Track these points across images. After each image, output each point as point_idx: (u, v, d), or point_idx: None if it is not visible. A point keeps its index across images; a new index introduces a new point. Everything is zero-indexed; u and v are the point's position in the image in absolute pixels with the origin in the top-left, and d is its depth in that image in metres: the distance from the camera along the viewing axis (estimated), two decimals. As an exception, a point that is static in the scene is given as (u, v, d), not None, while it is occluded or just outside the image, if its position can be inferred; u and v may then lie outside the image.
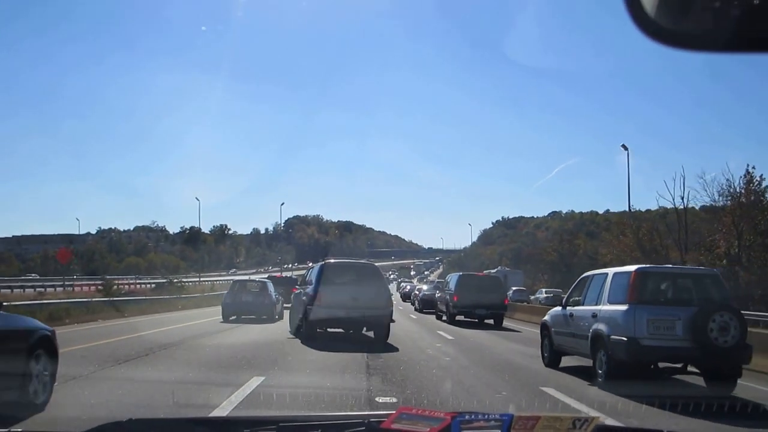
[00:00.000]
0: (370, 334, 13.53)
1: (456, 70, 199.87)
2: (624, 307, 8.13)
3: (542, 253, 57.75)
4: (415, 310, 31.00)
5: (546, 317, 10.97)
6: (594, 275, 9.77)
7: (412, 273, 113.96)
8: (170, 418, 2.09)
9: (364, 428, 1.81)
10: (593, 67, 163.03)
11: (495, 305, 20.97)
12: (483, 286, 21.62)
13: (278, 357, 10.03)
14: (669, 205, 32.14)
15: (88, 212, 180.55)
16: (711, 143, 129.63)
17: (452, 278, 23.41)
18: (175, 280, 40.07)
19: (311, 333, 12.82)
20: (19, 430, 1.89)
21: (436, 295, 26.18)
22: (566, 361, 10.15)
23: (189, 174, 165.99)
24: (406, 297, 45.17)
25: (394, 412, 1.74)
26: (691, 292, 8.63)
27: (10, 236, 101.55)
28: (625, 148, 34.59)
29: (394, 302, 31.02)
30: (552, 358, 10.30)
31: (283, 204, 69.57)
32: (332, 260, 15.94)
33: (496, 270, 52.10)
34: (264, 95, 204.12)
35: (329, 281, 13.20)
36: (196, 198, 58.61)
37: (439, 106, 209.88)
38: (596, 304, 8.91)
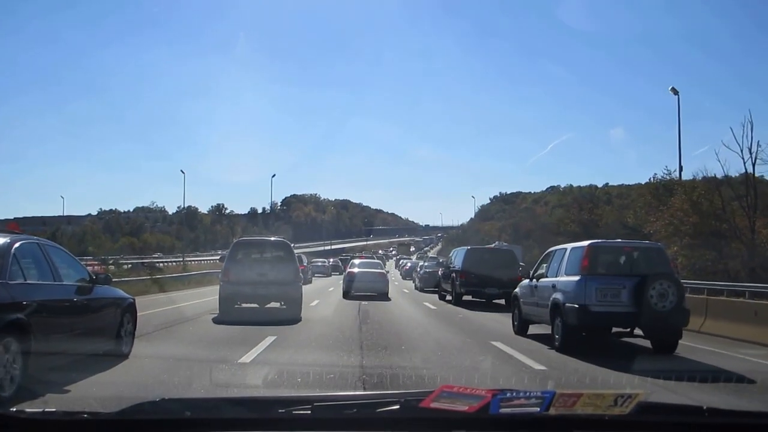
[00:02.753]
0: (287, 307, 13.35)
1: (452, 50, 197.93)
2: (577, 278, 9.06)
3: (560, 224, 51.84)
4: (416, 288, 28.96)
5: (516, 289, 11.85)
6: (556, 250, 10.61)
7: (412, 249, 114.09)
8: (204, 398, 2.13)
9: (399, 407, 1.80)
10: (583, 44, 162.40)
11: (507, 283, 17.50)
12: (493, 262, 19.15)
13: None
14: (737, 159, 25.73)
15: (92, 194, 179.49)
16: (703, 120, 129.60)
17: (458, 253, 20.91)
18: (110, 262, 35.66)
19: (226, 309, 12.98)
20: (54, 409, 1.87)
21: (440, 273, 23.46)
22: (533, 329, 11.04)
23: (185, 154, 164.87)
24: (407, 275, 41.95)
25: (430, 390, 1.74)
26: (637, 264, 9.45)
27: (12, 218, 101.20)
28: (675, 92, 28.49)
29: (396, 283, 30.64)
30: (521, 326, 11.20)
31: (274, 176, 68.60)
32: (243, 238, 16.65)
33: (494, 245, 51.13)
34: (262, 74, 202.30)
35: (238, 258, 13.69)
36: (181, 171, 57.08)
37: (432, 86, 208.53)
38: (556, 276, 9.78)
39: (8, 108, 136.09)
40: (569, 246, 10.19)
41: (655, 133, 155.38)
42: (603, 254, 9.59)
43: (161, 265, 41.35)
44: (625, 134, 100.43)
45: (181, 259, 50.68)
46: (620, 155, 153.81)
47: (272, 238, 16.70)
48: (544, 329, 10.39)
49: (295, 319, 12.26)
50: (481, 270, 18.57)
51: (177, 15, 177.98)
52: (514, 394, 1.73)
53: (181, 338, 9.86)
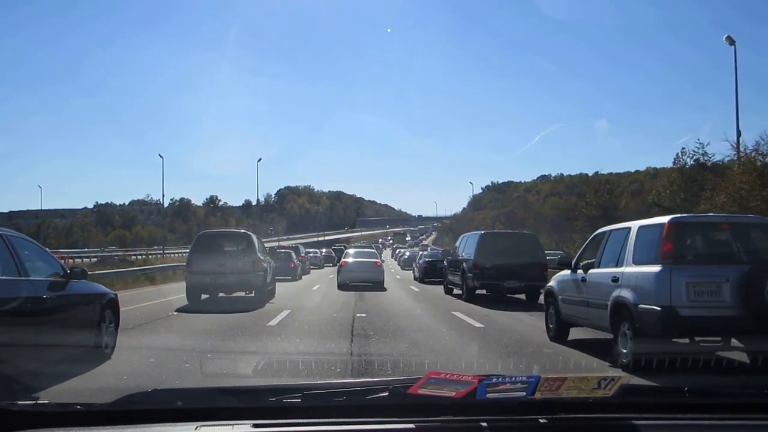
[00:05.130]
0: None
1: (439, 44, 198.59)
2: (655, 268, 6.56)
3: (576, 207, 47.32)
4: (415, 279, 26.69)
5: (551, 283, 9.42)
6: (611, 231, 8.16)
7: (408, 239, 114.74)
8: (196, 388, 2.13)
9: (387, 393, 1.81)
10: (567, 36, 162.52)
11: (531, 274, 15.21)
12: (513, 249, 16.08)
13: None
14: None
15: (91, 190, 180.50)
16: (684, 107, 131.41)
17: (468, 240, 17.49)
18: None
19: (192, 298, 13.81)
20: (46, 401, 1.87)
21: (444, 263, 20.38)
22: (575, 334, 8.74)
23: (181, 149, 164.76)
24: (406, 265, 38.17)
25: (419, 377, 1.75)
26: (739, 247, 7.00)
27: (7, 212, 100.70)
28: (731, 42, 24.29)
29: (399, 277, 28.18)
30: (558, 330, 8.79)
31: (260, 160, 66.94)
32: (206, 231, 17.87)
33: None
34: (254, 69, 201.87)
35: (199, 250, 14.45)
36: (159, 155, 55.23)
37: (421, 79, 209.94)
38: (617, 266, 7.31)
39: (6, 107, 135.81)
40: (635, 224, 7.55)
41: (640, 123, 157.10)
42: (692, 234, 7.03)
43: (133, 258, 39.47)
44: (611, 124, 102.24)
45: (161, 252, 48.55)
46: (607, 145, 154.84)
47: (233, 230, 18.04)
48: (586, 333, 8.48)
49: (260, 305, 13.21)
50: (498, 259, 15.44)
51: (169, 15, 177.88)
52: (500, 379, 1.74)
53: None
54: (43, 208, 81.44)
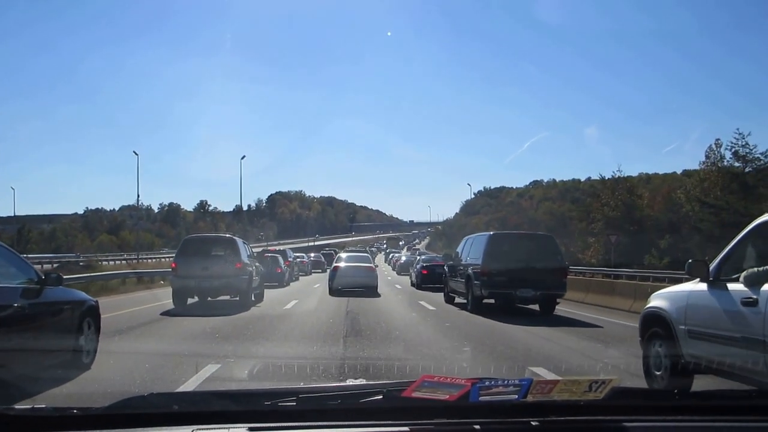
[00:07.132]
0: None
1: (431, 51, 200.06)
2: None
3: (593, 210, 42.61)
4: (411, 284, 25.53)
5: (659, 303, 5.91)
6: None
7: (401, 243, 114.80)
8: (192, 391, 2.13)
9: (382, 397, 1.83)
10: (558, 44, 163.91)
11: (548, 281, 13.59)
12: (527, 252, 14.17)
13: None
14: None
15: (84, 196, 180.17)
16: (673, 115, 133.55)
17: (474, 242, 15.41)
18: None
19: (178, 301, 13.97)
20: (44, 405, 1.87)
21: (445, 267, 18.11)
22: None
23: (173, 155, 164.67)
24: (402, 270, 35.75)
25: (413, 380, 1.77)
26: None
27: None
28: None
29: (399, 287, 26.26)
30: (674, 382, 5.39)
31: (243, 157, 64.93)
32: (192, 235, 18.14)
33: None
34: (247, 76, 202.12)
35: (185, 254, 14.60)
36: (135, 152, 53.42)
37: (413, 86, 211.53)
38: None
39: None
40: None
41: (629, 129, 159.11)
42: None
43: (100, 263, 37.04)
44: (601, 131, 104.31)
45: (136, 258, 45.68)
46: (597, 151, 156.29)
47: (218, 235, 18.10)
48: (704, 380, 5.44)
49: (244, 309, 13.35)
50: (510, 264, 13.57)
51: (164, 20, 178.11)
52: (493, 382, 1.77)
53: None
54: (28, 213, 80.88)
